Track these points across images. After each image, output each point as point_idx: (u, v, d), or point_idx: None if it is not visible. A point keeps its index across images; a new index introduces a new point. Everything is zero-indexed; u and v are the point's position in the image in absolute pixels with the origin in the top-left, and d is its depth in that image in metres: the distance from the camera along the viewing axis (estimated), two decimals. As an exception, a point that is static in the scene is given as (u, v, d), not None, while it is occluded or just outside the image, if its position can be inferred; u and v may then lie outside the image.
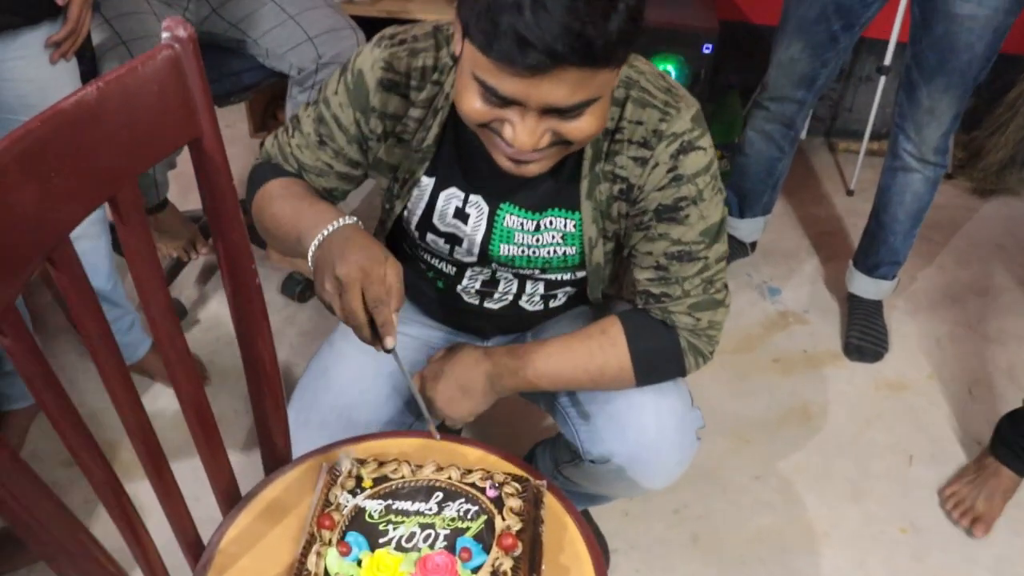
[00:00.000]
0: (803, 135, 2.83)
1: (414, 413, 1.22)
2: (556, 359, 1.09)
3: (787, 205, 2.58)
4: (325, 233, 0.92)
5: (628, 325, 1.08)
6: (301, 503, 0.94)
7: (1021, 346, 2.11)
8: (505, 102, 0.83)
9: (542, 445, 1.56)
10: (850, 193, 2.66)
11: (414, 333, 1.29)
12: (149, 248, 0.76)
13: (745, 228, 2.26)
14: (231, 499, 0.96)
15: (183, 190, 2.18)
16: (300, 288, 2.08)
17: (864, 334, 2.04)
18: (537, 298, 1.20)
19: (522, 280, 1.16)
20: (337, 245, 0.90)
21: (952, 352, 2.09)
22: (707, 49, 2.16)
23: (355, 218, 0.94)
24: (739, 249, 2.31)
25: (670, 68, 2.18)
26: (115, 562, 0.70)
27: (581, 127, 0.87)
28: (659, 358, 1.08)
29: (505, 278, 1.16)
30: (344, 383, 1.19)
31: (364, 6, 2.24)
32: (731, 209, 2.22)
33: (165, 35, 0.76)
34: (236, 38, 1.79)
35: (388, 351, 0.86)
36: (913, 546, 1.62)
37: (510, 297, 1.19)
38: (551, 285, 1.17)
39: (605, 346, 1.07)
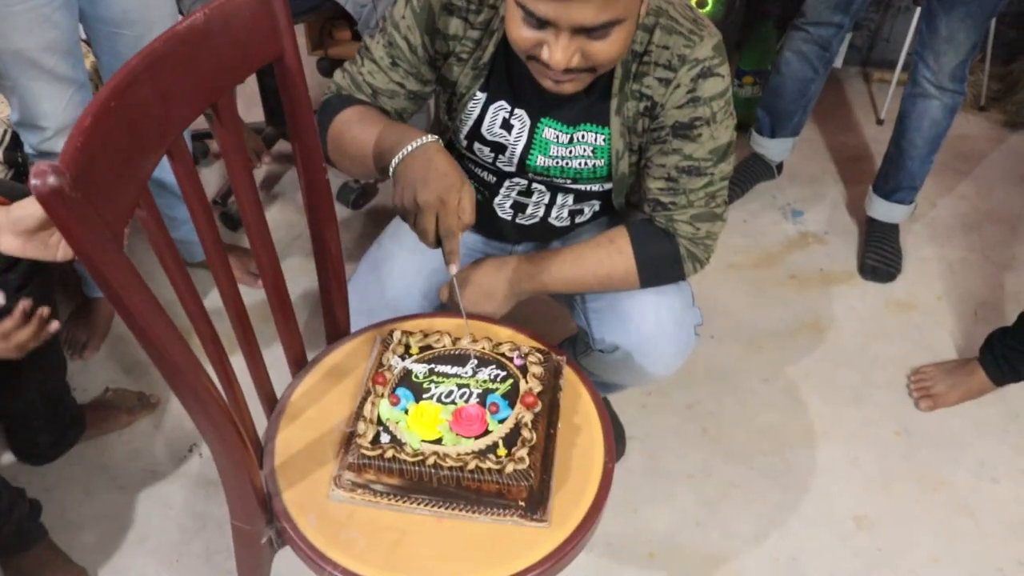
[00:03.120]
0: (839, 63, 2.89)
1: (451, 308, 1.37)
2: (569, 266, 1.23)
3: (817, 132, 2.66)
4: (409, 149, 1.02)
5: (634, 234, 1.22)
6: (358, 367, 1.13)
7: (1031, 272, 2.20)
8: (541, 23, 0.97)
9: (566, 342, 1.73)
10: (880, 122, 2.73)
11: None
12: (240, 144, 0.93)
13: (775, 148, 2.35)
14: (299, 363, 1.15)
15: (247, 104, 2.36)
16: (354, 196, 2.26)
17: (879, 255, 2.16)
18: (565, 212, 1.34)
19: (554, 192, 1.30)
20: (420, 164, 1.00)
21: (963, 276, 2.19)
22: (743, -23, 2.25)
23: (436, 136, 1.03)
24: (766, 171, 2.42)
25: (707, -5, 2.27)
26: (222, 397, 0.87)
27: (606, 49, 0.99)
28: (661, 264, 1.23)
29: (539, 190, 1.30)
30: (393, 279, 1.33)
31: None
32: (762, 128, 2.32)
33: (253, -34, 0.91)
34: (298, -37, 1.92)
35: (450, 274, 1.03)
36: (903, 447, 1.76)
37: (540, 212, 1.33)
38: (580, 197, 1.31)
39: (613, 254, 1.22)
